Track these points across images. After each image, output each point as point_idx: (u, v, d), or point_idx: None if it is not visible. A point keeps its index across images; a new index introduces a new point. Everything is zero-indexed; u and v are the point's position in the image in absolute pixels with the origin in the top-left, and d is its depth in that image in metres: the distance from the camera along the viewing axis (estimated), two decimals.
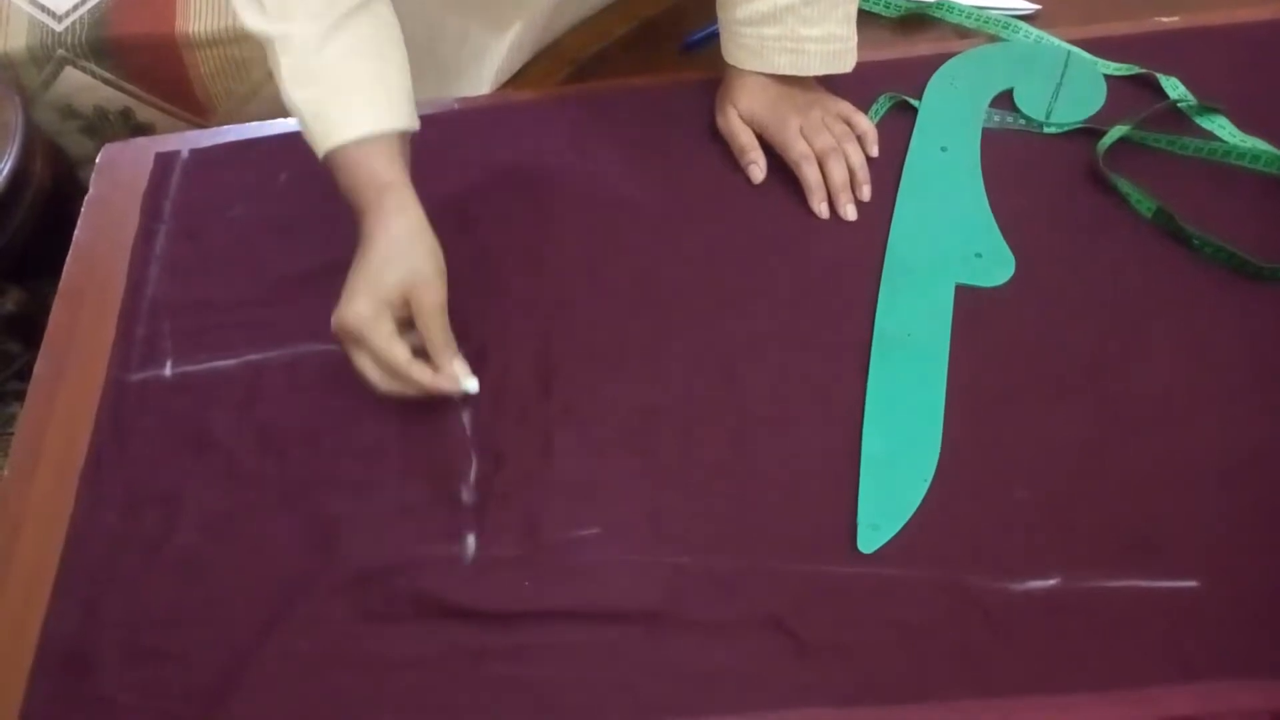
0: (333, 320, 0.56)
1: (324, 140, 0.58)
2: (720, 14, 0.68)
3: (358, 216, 0.58)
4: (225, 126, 0.79)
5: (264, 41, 0.59)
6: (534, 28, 0.80)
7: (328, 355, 0.63)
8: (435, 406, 0.60)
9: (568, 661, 0.51)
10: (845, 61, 0.67)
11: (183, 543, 0.58)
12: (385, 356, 0.55)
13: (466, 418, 0.60)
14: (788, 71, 0.67)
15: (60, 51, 1.16)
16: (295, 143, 0.70)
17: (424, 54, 0.82)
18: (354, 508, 0.57)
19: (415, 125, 0.60)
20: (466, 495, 0.57)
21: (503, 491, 0.57)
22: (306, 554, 0.56)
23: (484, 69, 0.81)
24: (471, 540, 0.55)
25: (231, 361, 0.64)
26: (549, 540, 0.55)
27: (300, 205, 0.71)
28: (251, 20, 0.59)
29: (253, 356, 0.64)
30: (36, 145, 1.13)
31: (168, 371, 0.65)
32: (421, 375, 0.55)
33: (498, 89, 0.81)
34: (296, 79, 0.58)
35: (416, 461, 0.59)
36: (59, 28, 1.16)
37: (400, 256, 0.56)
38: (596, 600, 0.53)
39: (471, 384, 0.57)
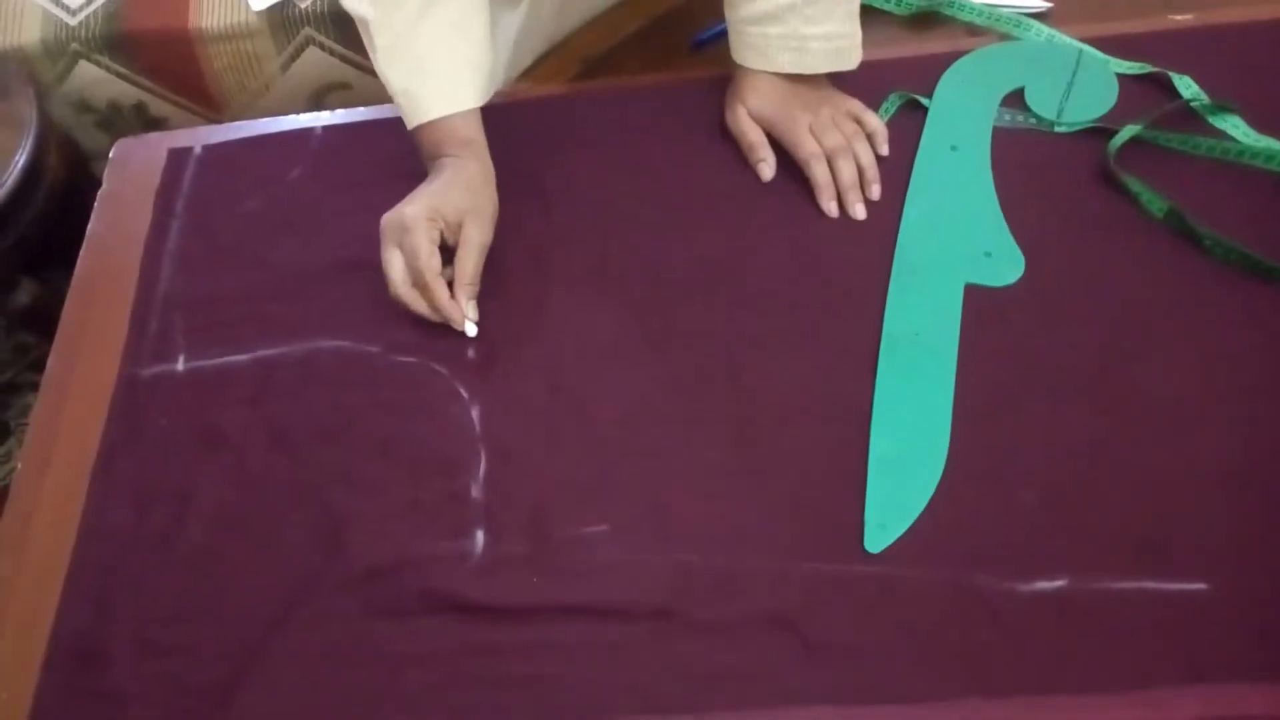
0: (384, 216, 0.60)
1: (412, 117, 0.64)
2: (727, 13, 0.68)
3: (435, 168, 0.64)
4: (238, 122, 0.79)
5: (359, 22, 0.64)
6: (542, 21, 0.80)
7: (339, 351, 0.63)
8: (444, 403, 0.60)
9: (575, 658, 0.51)
10: (849, 59, 0.68)
11: (193, 538, 0.58)
12: (420, 257, 0.58)
13: (475, 415, 0.60)
14: (792, 70, 0.67)
15: (74, 46, 1.16)
16: (307, 138, 0.71)
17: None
18: (363, 504, 0.58)
19: (490, 95, 0.66)
20: (475, 492, 0.57)
21: (511, 489, 0.57)
22: (316, 550, 0.56)
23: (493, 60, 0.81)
24: (480, 537, 0.55)
25: (243, 357, 0.64)
26: (557, 537, 0.55)
27: (313, 201, 0.72)
28: (350, 1, 0.63)
29: (264, 352, 0.64)
30: (51, 139, 1.13)
31: (180, 366, 0.65)
32: (441, 291, 0.59)
33: (507, 86, 0.81)
34: (390, 59, 0.63)
35: (425, 458, 0.59)
36: (73, 22, 1.16)
37: (468, 189, 0.62)
38: (604, 597, 0.53)
39: (472, 328, 0.61)
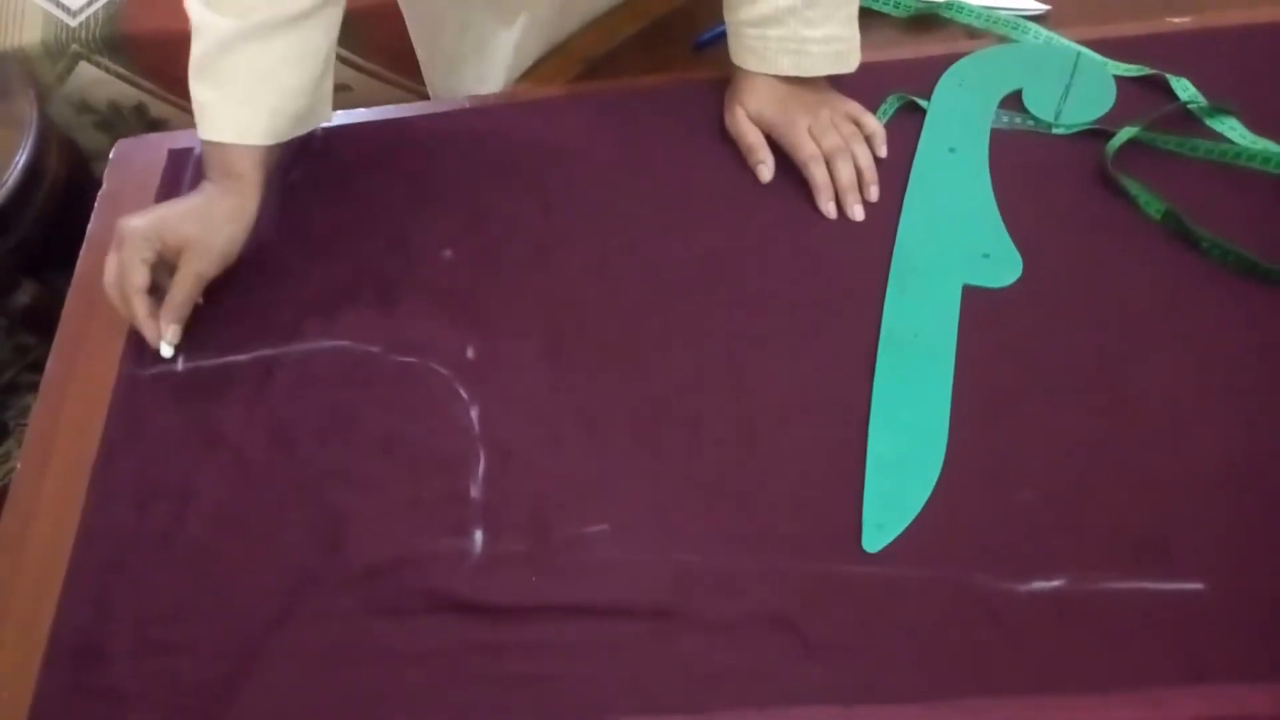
0: (119, 220, 0.62)
1: (201, 131, 0.64)
2: (726, 16, 0.68)
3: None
4: None
5: (192, 23, 0.63)
6: (541, 23, 0.80)
7: (338, 351, 0.63)
8: (444, 403, 0.60)
9: (575, 657, 0.51)
10: (848, 62, 0.68)
11: (193, 536, 0.58)
12: (125, 271, 0.61)
13: (475, 414, 0.60)
14: (791, 73, 0.67)
15: (75, 47, 1.17)
16: (306, 141, 0.71)
17: (426, 43, 0.82)
18: (363, 503, 0.58)
19: (288, 137, 0.66)
20: (475, 491, 0.57)
21: (511, 488, 0.57)
22: (316, 549, 0.56)
23: (488, 62, 0.81)
24: (479, 536, 0.56)
25: (243, 357, 0.65)
26: (557, 536, 0.55)
27: (311, 203, 0.71)
28: (188, 3, 0.63)
29: (264, 352, 0.64)
30: (51, 140, 1.14)
31: (180, 366, 0.65)
32: (138, 307, 0.62)
33: (508, 87, 0.81)
34: (198, 67, 0.64)
35: (425, 457, 0.59)
36: (73, 23, 1.16)
37: (204, 220, 0.63)
38: (604, 597, 0.53)
39: (166, 349, 0.63)
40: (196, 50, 0.63)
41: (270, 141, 0.64)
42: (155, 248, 0.61)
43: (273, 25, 0.62)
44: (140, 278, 0.61)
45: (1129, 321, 0.59)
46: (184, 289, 0.62)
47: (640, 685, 0.50)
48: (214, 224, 0.63)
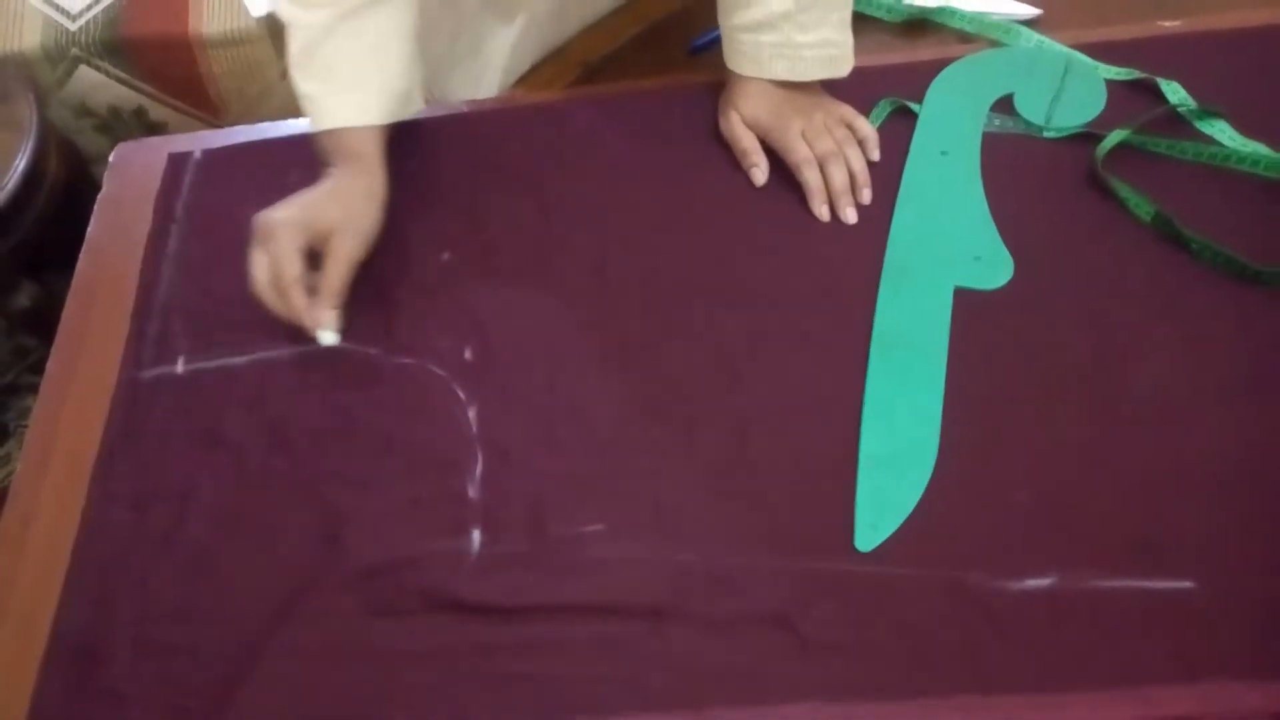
0: (255, 217, 0.61)
1: (314, 123, 0.65)
2: (720, 21, 0.69)
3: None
4: (237, 127, 0.79)
5: (284, 22, 0.65)
6: (538, 26, 0.80)
7: (337, 353, 0.63)
8: (442, 404, 0.60)
9: (572, 656, 0.51)
10: (841, 67, 0.68)
11: (192, 538, 0.58)
12: (279, 263, 0.60)
13: (472, 414, 0.60)
14: (785, 77, 0.67)
15: (74, 50, 1.17)
16: (306, 143, 0.71)
17: (420, 46, 0.83)
18: (361, 503, 0.58)
19: (399, 117, 0.66)
20: (472, 491, 0.57)
21: (508, 487, 0.57)
22: (315, 549, 0.56)
23: (484, 66, 0.81)
24: (477, 536, 0.56)
25: (242, 359, 0.65)
26: (554, 536, 0.55)
27: None
28: (278, 2, 0.65)
29: (264, 354, 0.65)
30: (51, 143, 1.14)
31: (180, 369, 0.65)
32: (297, 299, 0.60)
33: (506, 91, 0.81)
34: (299, 64, 0.65)
35: (422, 457, 0.59)
36: (73, 27, 1.16)
37: (344, 203, 0.63)
38: (601, 596, 0.53)
39: (328, 336, 0.61)
40: (294, 47, 0.64)
41: (384, 120, 0.65)
42: (306, 235, 0.60)
43: (362, 10, 0.63)
44: (296, 267, 0.60)
45: (1119, 322, 0.59)
46: (337, 273, 0.61)
47: (638, 683, 0.50)
48: (355, 205, 0.63)
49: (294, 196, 0.63)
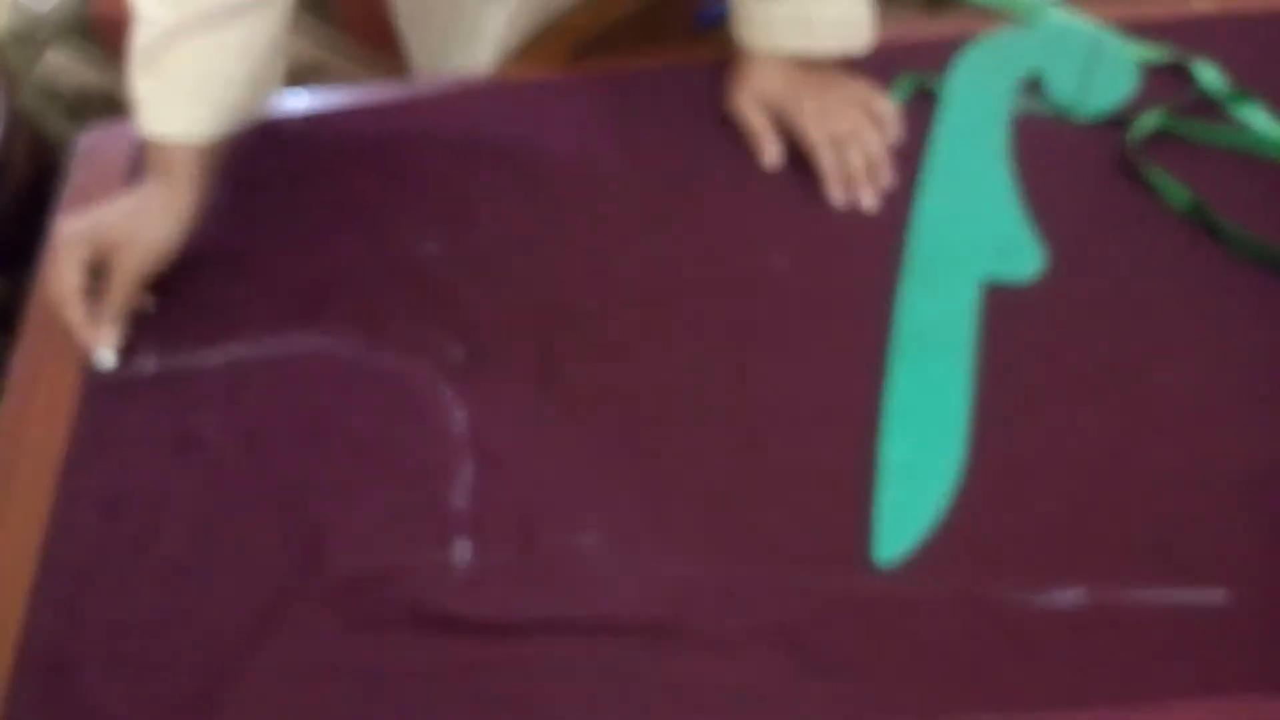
0: (54, 229, 0.62)
1: (142, 125, 0.64)
2: None
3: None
4: None
5: (134, 13, 0.63)
6: (532, 2, 0.79)
7: (314, 354, 0.62)
8: (429, 406, 0.59)
9: (565, 676, 0.50)
10: (860, 41, 0.66)
11: (165, 546, 0.56)
12: (59, 272, 0.60)
13: (461, 418, 0.59)
14: (799, 52, 0.66)
15: (43, 32, 1.15)
16: (280, 132, 0.69)
17: (411, 16, 0.80)
18: (342, 511, 0.56)
19: (229, 131, 0.65)
20: (458, 499, 0.56)
21: (500, 496, 0.56)
22: (294, 560, 0.55)
23: (479, 37, 0.79)
24: (463, 546, 0.54)
25: (217, 357, 0.63)
26: (546, 547, 0.54)
27: (285, 192, 0.70)
28: None
29: (239, 352, 0.63)
30: (20, 131, 1.12)
31: (151, 367, 0.63)
32: (73, 313, 0.60)
33: (498, 68, 0.79)
34: (141, 61, 0.63)
35: (406, 463, 0.58)
36: (43, 9, 1.16)
37: (138, 216, 0.62)
38: (597, 612, 0.52)
39: (106, 357, 0.61)
40: (139, 42, 0.63)
41: (213, 138, 0.64)
42: (89, 248, 0.60)
43: (220, 18, 0.61)
44: (74, 278, 0.60)
45: (1152, 319, 0.58)
46: (119, 290, 0.61)
47: (636, 706, 0.49)
48: (147, 219, 0.62)
49: (96, 208, 0.63)
